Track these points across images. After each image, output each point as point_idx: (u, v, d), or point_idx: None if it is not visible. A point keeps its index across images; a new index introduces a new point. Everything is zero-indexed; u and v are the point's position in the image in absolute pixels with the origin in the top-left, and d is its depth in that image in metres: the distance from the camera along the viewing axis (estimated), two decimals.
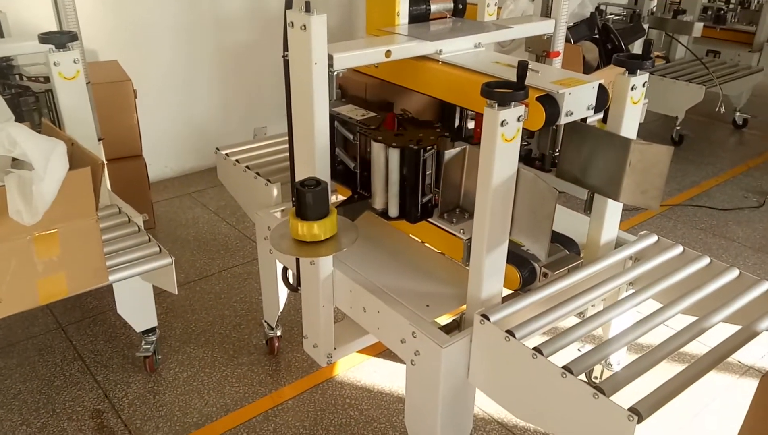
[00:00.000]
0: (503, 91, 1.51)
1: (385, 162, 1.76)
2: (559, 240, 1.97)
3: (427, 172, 1.78)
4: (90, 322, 2.74)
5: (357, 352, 2.56)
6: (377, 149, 1.76)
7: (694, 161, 4.48)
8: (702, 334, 1.61)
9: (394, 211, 1.81)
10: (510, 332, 1.57)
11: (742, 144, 4.87)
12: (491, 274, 1.69)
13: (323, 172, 1.80)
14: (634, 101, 1.86)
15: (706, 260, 1.92)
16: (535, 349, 1.51)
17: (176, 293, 2.10)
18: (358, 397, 2.37)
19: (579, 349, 2.43)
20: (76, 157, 1.71)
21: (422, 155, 1.73)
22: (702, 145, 4.77)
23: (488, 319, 1.62)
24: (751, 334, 1.60)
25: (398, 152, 1.73)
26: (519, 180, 1.62)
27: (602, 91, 1.75)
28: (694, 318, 1.67)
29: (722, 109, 4.14)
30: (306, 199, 1.57)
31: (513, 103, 1.53)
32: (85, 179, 1.59)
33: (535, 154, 2.17)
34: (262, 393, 2.38)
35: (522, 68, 1.54)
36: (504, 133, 1.53)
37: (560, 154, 2.00)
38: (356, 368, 2.51)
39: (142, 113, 3.61)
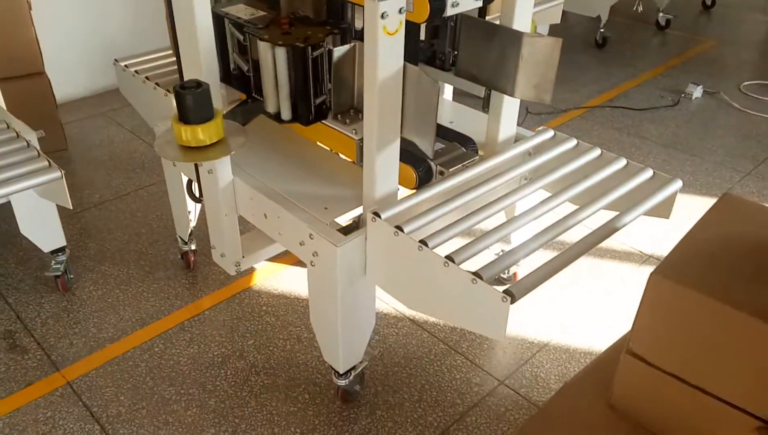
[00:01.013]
0: None
1: (273, 62, 1.72)
2: (457, 138, 1.99)
3: (318, 73, 1.75)
4: None
5: (275, 261, 2.59)
6: (264, 49, 1.72)
7: (616, 63, 4.53)
8: (582, 221, 1.68)
9: (286, 114, 1.79)
10: (399, 227, 1.60)
11: (664, 45, 4.93)
12: (384, 173, 1.70)
13: (210, 75, 1.75)
14: None
15: (597, 152, 1.97)
16: (421, 241, 1.55)
17: (70, 208, 2.06)
18: (274, 304, 2.41)
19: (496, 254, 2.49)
20: None
21: (310, 54, 1.69)
22: (624, 47, 4.81)
23: (379, 217, 1.65)
24: (626, 221, 1.67)
25: (285, 51, 1.69)
26: (405, 75, 1.61)
27: None
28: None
29: (640, 8, 4.16)
30: (186, 102, 1.54)
31: None
32: None
33: (438, 55, 2.16)
34: (178, 306, 2.40)
35: None
36: (385, 25, 1.50)
37: (458, 51, 1.99)
38: (274, 277, 2.54)
39: (43, 27, 3.42)
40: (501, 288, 1.41)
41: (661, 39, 5.02)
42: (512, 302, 1.41)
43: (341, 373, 1.94)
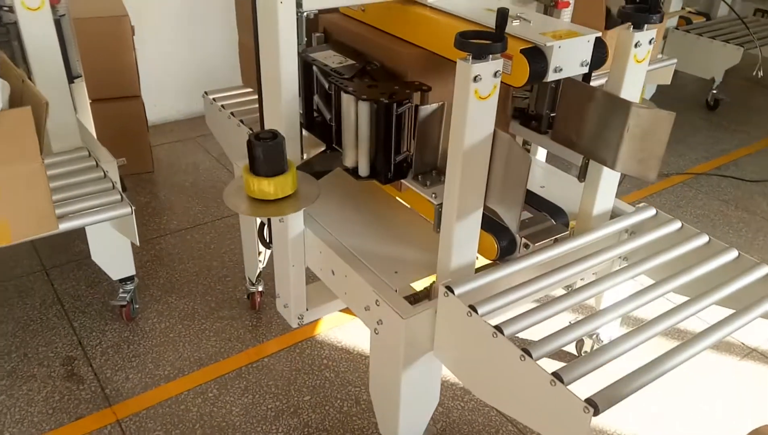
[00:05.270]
0: (479, 43, 1.35)
1: (355, 116, 1.62)
2: (547, 208, 1.82)
3: (401, 129, 1.63)
4: (74, 265, 2.70)
5: (341, 311, 2.47)
6: (347, 101, 1.62)
7: (728, 128, 4.20)
8: (688, 318, 1.48)
9: (364, 170, 1.68)
10: (472, 307, 1.45)
11: None
12: (462, 243, 1.56)
13: (290, 126, 1.67)
14: (638, 60, 1.66)
15: (704, 238, 1.75)
16: (496, 327, 1.39)
17: (137, 244, 2.03)
18: (336, 358, 2.29)
19: (570, 322, 2.29)
20: (25, 96, 1.61)
21: (394, 110, 1.58)
22: (739, 111, 4.47)
23: (452, 292, 1.50)
24: (741, 323, 1.46)
25: (368, 106, 1.58)
26: (495, 142, 1.47)
27: (600, 45, 1.57)
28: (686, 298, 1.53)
29: (761, 74, 3.84)
30: (257, 153, 1.45)
31: (491, 57, 1.36)
32: (25, 120, 1.49)
33: (532, 112, 2.01)
34: (238, 349, 2.32)
35: (501, 16, 1.37)
36: (477, 89, 1.37)
37: (556, 114, 1.84)
38: (339, 328, 2.43)
39: (144, 52, 3.51)
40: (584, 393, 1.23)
41: None
42: (595, 414, 1.22)
43: None
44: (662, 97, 4.38)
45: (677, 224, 1.81)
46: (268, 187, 1.48)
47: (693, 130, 4.12)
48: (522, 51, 1.46)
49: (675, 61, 3.12)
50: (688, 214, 3.22)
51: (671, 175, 3.57)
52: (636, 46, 1.64)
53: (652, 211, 1.87)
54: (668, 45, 3.86)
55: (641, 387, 1.28)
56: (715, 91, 4.31)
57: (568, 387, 1.26)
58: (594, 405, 1.22)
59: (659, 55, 3.13)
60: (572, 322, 1.45)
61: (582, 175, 1.85)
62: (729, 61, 3.95)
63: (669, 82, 3.17)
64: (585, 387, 1.28)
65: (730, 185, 3.51)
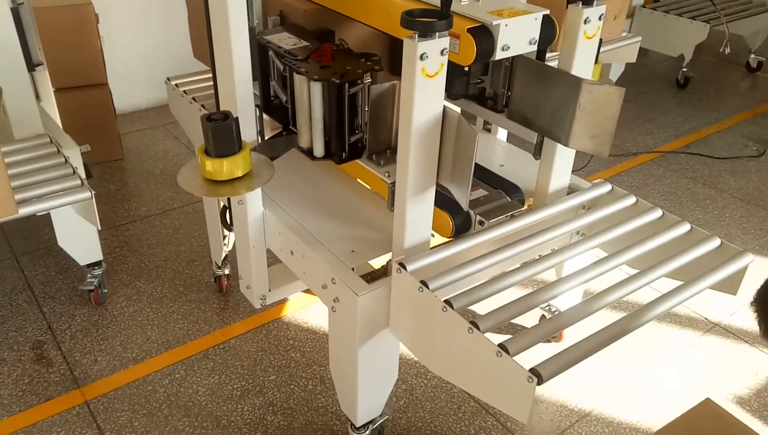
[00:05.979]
0: (424, 21, 1.36)
1: (308, 97, 1.64)
2: (503, 186, 1.85)
3: (354, 109, 1.65)
4: (44, 252, 2.70)
5: (309, 293, 2.50)
6: (299, 82, 1.63)
7: (697, 106, 4.24)
8: (637, 290, 1.51)
9: (318, 150, 1.70)
10: (424, 283, 1.47)
11: (754, 88, 4.60)
12: (416, 221, 1.58)
13: (245, 107, 1.68)
14: (588, 36, 1.69)
15: (658, 213, 1.78)
16: (446, 301, 1.42)
17: (99, 228, 2.03)
18: (302, 338, 2.32)
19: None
20: None
21: (346, 90, 1.60)
22: (709, 88, 4.51)
23: (405, 269, 1.52)
24: (687, 294, 1.49)
25: (320, 86, 1.60)
26: (444, 120, 1.49)
27: (548, 23, 1.59)
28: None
29: (727, 50, 3.88)
30: (208, 134, 1.46)
31: (437, 34, 1.38)
32: None
33: (489, 93, 2.03)
34: (205, 331, 2.34)
35: None
36: (425, 67, 1.39)
37: (511, 93, 1.86)
38: (305, 309, 2.45)
39: (114, 40, 3.50)
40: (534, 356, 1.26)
41: (751, 82, 4.69)
42: (539, 384, 1.25)
43: (357, 426, 1.82)
44: (633, 77, 4.42)
45: (632, 199, 1.84)
46: (220, 166, 1.49)
47: (663, 109, 4.16)
48: (469, 30, 1.48)
49: (639, 38, 3.15)
50: (655, 192, 3.27)
51: (640, 154, 3.61)
52: (585, 22, 1.66)
53: (607, 187, 1.90)
54: (635, 23, 3.89)
55: (587, 356, 1.31)
56: (685, 69, 4.34)
57: (513, 358, 1.29)
58: (538, 374, 1.25)
59: (624, 33, 3.16)
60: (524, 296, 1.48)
61: (537, 153, 1.88)
62: (696, 38, 3.98)
63: (634, 60, 3.21)
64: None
65: (698, 163, 3.56)
